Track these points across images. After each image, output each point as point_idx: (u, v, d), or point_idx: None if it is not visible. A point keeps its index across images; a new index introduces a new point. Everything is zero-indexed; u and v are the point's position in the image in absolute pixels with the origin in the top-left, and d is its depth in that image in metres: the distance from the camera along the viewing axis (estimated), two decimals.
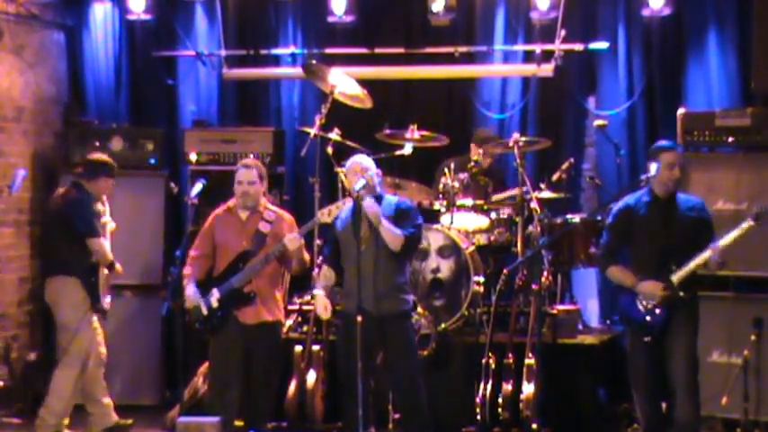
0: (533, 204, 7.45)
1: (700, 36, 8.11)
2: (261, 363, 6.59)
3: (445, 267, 7.43)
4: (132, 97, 9.17)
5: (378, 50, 8.72)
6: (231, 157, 8.25)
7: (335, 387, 6.73)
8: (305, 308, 7.61)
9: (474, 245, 7.60)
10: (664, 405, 6.32)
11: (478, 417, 6.92)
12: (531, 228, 7.58)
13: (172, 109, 9.15)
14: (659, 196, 6.09)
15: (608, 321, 8.07)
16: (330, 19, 8.65)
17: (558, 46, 8.26)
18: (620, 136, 8.21)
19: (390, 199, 6.53)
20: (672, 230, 6.03)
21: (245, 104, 9.14)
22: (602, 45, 8.36)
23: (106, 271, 7.20)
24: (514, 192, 7.61)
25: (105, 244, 7.20)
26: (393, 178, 7.75)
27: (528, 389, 6.78)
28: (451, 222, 7.59)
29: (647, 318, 6.01)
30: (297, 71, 8.53)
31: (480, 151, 8.04)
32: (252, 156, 7.87)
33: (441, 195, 7.74)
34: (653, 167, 6.08)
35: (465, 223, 7.70)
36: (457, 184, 7.64)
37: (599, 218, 7.53)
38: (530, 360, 6.84)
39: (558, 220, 7.60)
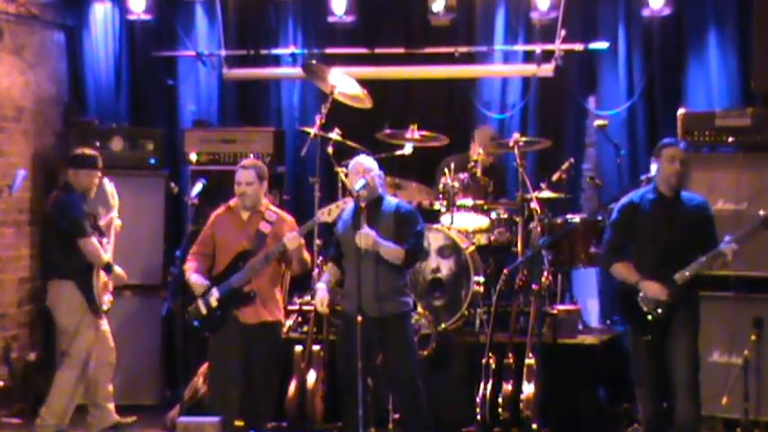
0: (533, 204, 7.46)
1: (700, 36, 8.11)
2: (261, 363, 6.59)
3: (445, 267, 7.44)
4: (132, 97, 9.17)
5: (378, 50, 8.72)
6: (231, 157, 8.25)
7: (335, 387, 6.73)
8: (305, 308, 7.61)
9: (474, 245, 7.60)
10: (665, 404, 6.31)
11: (478, 417, 6.91)
12: (531, 228, 7.59)
13: (172, 109, 9.15)
14: (663, 194, 6.06)
15: (608, 321, 8.08)
16: (330, 19, 8.65)
17: (558, 46, 8.27)
18: (620, 136, 8.21)
19: (391, 201, 6.53)
20: (674, 229, 6.01)
21: (246, 104, 9.14)
22: (602, 45, 8.36)
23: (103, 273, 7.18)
24: (515, 203, 7.62)
25: (105, 244, 7.19)
26: (393, 178, 7.76)
27: (528, 389, 6.78)
28: (451, 222, 7.59)
29: (648, 317, 6.01)
30: (297, 71, 8.53)
31: (480, 150, 8.05)
32: (252, 156, 7.88)
33: (441, 195, 7.74)
34: (654, 167, 6.09)
35: (465, 223, 7.71)
36: (457, 184, 7.64)
37: (599, 218, 7.54)
38: (530, 360, 6.84)
39: (559, 220, 7.60)
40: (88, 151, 7.33)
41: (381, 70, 8.67)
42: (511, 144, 7.59)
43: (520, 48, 8.58)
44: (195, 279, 6.56)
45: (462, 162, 7.94)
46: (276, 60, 9.01)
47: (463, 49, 8.60)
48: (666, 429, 6.11)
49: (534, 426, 6.58)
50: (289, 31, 8.96)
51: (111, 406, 7.37)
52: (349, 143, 7.67)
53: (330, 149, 7.70)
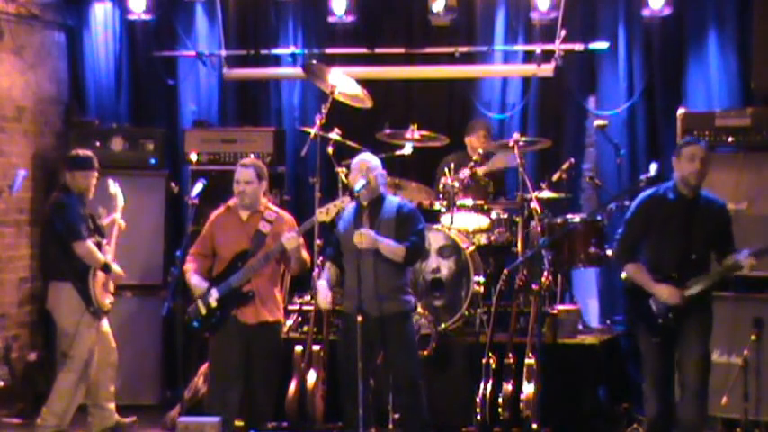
0: (533, 204, 7.46)
1: (700, 36, 8.12)
2: (261, 363, 6.58)
3: (445, 267, 7.44)
4: (133, 97, 9.18)
5: (378, 50, 8.73)
6: (231, 158, 8.25)
7: (335, 387, 6.73)
8: (305, 308, 7.61)
9: (474, 245, 7.60)
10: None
11: (478, 417, 6.91)
12: (531, 228, 7.59)
13: (172, 109, 9.15)
14: (683, 194, 6.00)
15: (608, 321, 8.08)
16: (330, 19, 8.66)
17: (558, 46, 8.27)
18: (620, 136, 8.22)
19: (393, 200, 6.53)
20: (693, 231, 5.96)
21: (246, 104, 9.15)
22: (602, 45, 8.37)
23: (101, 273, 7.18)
24: (515, 203, 7.63)
25: (104, 245, 7.19)
26: (393, 178, 7.75)
27: (528, 389, 6.78)
28: (452, 222, 7.59)
29: (659, 320, 5.98)
30: (297, 71, 8.54)
31: (473, 139, 8.10)
32: (252, 155, 7.87)
33: (441, 195, 7.74)
34: (673, 163, 6.03)
35: (465, 223, 7.71)
36: (457, 184, 7.64)
37: (599, 218, 7.55)
38: (530, 360, 6.84)
39: (559, 220, 7.60)
40: (84, 152, 7.32)
41: (381, 70, 8.68)
42: (511, 144, 7.59)
43: (520, 48, 8.59)
44: (196, 281, 6.56)
45: (462, 161, 7.95)
46: (276, 60, 9.01)
47: (463, 49, 8.61)
48: (672, 428, 6.10)
49: (534, 426, 6.58)
50: (289, 32, 8.97)
51: (112, 406, 7.37)
52: (349, 143, 7.68)
53: (330, 149, 7.71)
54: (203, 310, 6.54)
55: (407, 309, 6.46)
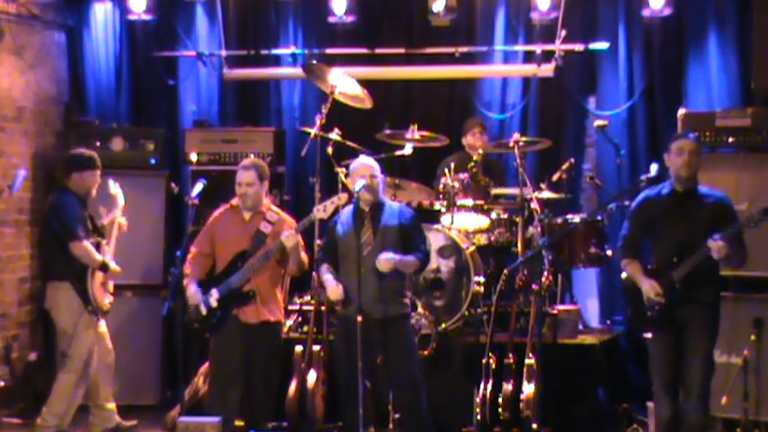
0: (534, 204, 7.46)
1: (700, 36, 8.12)
2: (261, 363, 6.58)
3: (445, 267, 7.44)
4: (133, 97, 9.18)
5: (378, 51, 8.74)
6: (232, 158, 8.27)
7: (335, 387, 6.73)
8: (305, 308, 7.61)
9: (474, 245, 7.60)
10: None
11: (478, 417, 6.91)
12: (531, 228, 7.59)
13: (172, 109, 9.16)
14: (678, 189, 6.02)
15: (608, 321, 8.08)
16: (331, 19, 8.66)
17: (558, 46, 8.27)
18: (620, 136, 8.22)
19: (393, 206, 6.54)
20: (688, 224, 5.95)
21: (246, 104, 9.15)
22: (602, 45, 8.38)
23: (101, 273, 7.18)
24: (515, 191, 7.62)
25: (104, 245, 7.19)
26: (393, 178, 7.75)
27: (528, 389, 6.78)
28: (452, 222, 7.59)
29: (648, 313, 6.00)
30: (297, 71, 8.53)
31: (470, 137, 8.11)
32: (252, 155, 7.87)
33: (441, 195, 7.74)
34: (665, 159, 6.05)
35: (465, 223, 7.71)
36: (457, 184, 7.64)
37: (599, 218, 7.54)
38: (530, 360, 6.84)
39: (559, 220, 7.60)
40: (87, 151, 7.33)
41: (382, 70, 8.68)
42: (511, 144, 7.59)
43: (520, 48, 8.59)
44: (193, 291, 6.55)
45: (462, 161, 7.95)
46: (276, 60, 9.02)
47: (463, 50, 8.62)
48: (679, 427, 6.08)
49: (534, 426, 6.57)
50: (289, 32, 8.97)
51: (113, 407, 7.38)
52: (349, 143, 7.68)
53: (330, 149, 7.70)
54: (204, 311, 6.54)
55: (407, 311, 6.53)
